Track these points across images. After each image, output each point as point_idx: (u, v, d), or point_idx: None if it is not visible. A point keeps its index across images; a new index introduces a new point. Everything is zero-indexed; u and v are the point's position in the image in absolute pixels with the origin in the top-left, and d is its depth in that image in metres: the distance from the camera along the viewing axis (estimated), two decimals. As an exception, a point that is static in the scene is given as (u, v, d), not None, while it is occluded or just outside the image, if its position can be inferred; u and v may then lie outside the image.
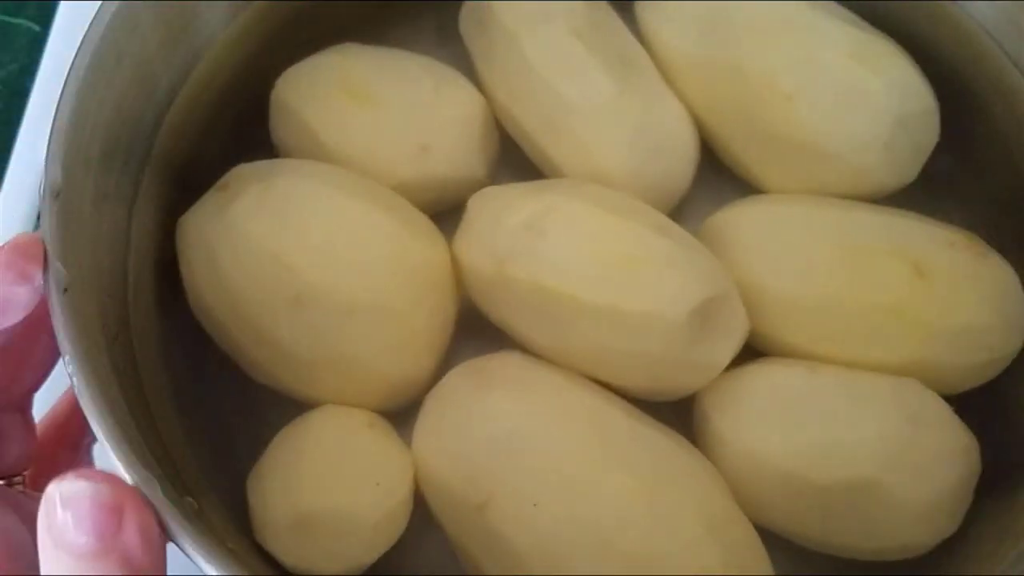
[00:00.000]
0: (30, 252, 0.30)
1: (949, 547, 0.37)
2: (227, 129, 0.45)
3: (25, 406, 0.35)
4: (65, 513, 0.26)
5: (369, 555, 0.36)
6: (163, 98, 0.41)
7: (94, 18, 0.36)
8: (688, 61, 0.45)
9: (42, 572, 0.27)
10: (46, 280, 0.31)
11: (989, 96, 0.44)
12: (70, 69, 0.34)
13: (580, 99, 0.43)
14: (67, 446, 0.38)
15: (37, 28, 0.58)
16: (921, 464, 0.36)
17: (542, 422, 0.37)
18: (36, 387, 0.35)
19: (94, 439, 0.38)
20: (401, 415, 0.41)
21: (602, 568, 0.34)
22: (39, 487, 0.36)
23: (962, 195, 0.46)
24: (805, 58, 0.42)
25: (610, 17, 0.46)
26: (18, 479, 0.34)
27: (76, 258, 0.33)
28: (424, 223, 0.42)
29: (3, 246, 0.30)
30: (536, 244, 0.38)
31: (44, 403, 0.36)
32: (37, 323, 0.33)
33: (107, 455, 0.29)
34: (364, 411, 0.39)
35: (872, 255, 0.39)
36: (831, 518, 0.37)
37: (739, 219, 0.42)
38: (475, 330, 0.42)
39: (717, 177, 0.46)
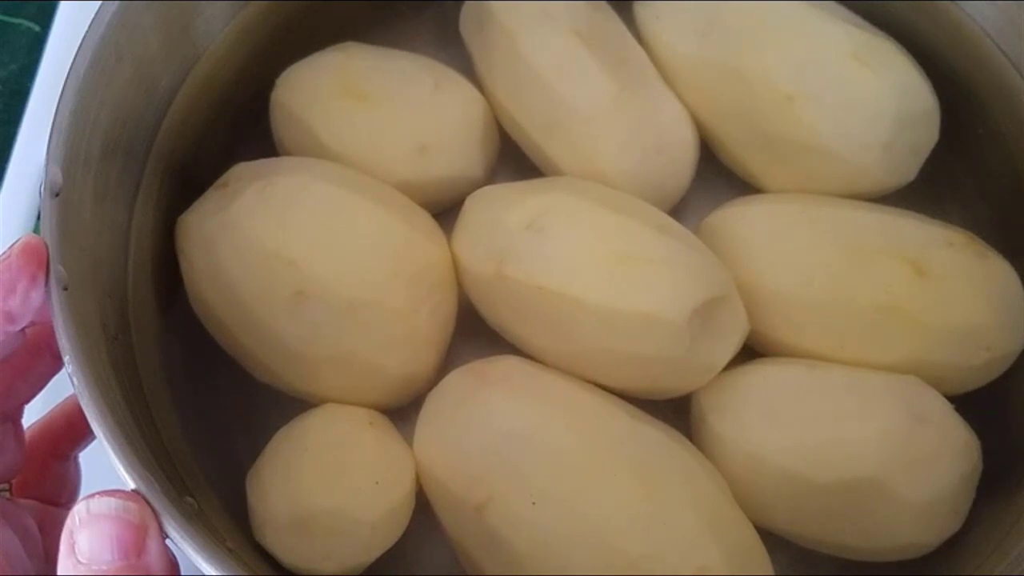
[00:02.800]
0: (38, 256, 0.31)
1: (949, 546, 0.37)
2: (227, 128, 0.45)
3: (16, 416, 0.35)
4: (92, 530, 0.26)
5: (369, 554, 0.36)
6: (163, 98, 0.41)
7: (94, 18, 0.36)
8: (688, 61, 0.45)
9: None
10: (47, 280, 0.31)
11: (989, 97, 0.44)
12: (70, 69, 0.35)
13: (580, 99, 0.43)
14: (57, 456, 0.38)
15: (37, 28, 0.58)
16: (922, 462, 0.36)
17: (542, 422, 0.37)
18: (30, 399, 0.35)
19: (86, 446, 0.38)
20: (403, 413, 0.41)
21: (602, 568, 0.34)
22: (26, 496, 0.36)
23: (962, 195, 0.46)
24: (805, 58, 0.42)
25: (610, 18, 0.46)
26: (4, 487, 0.34)
27: (76, 257, 0.33)
28: (425, 220, 0.42)
29: (12, 250, 0.30)
30: (535, 243, 0.38)
31: (34, 412, 0.36)
32: (38, 339, 0.33)
33: (107, 455, 0.29)
34: (365, 409, 0.39)
35: (872, 255, 0.39)
36: (831, 518, 0.37)
37: (737, 218, 0.42)
38: (475, 330, 0.42)
39: (716, 177, 0.46)
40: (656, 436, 0.37)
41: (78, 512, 0.27)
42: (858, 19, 0.44)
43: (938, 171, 0.44)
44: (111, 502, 0.27)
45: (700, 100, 0.45)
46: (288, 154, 0.44)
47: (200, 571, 0.28)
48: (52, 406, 0.38)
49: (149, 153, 0.40)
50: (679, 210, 0.45)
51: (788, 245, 0.40)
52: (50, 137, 0.33)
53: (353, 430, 0.38)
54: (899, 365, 0.38)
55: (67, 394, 0.36)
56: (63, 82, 0.34)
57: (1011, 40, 0.42)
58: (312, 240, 0.38)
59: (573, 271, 0.38)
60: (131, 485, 0.28)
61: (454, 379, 0.39)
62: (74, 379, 0.30)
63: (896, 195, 0.43)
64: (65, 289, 0.31)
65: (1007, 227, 0.43)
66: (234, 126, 0.45)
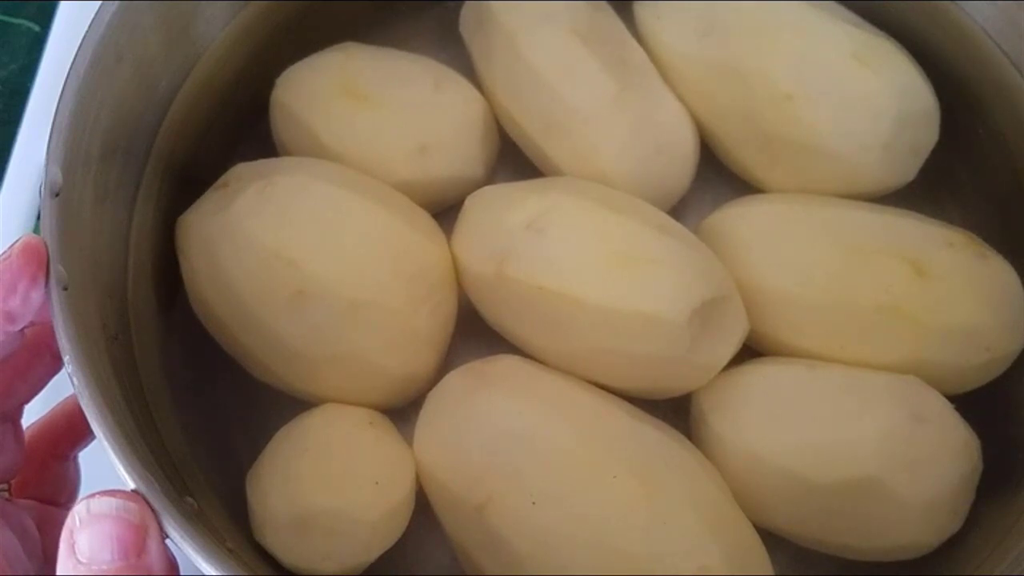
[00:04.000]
0: (38, 256, 0.31)
1: (949, 546, 0.37)
2: (227, 128, 0.45)
3: (16, 416, 0.35)
4: (92, 530, 0.26)
5: (368, 554, 0.36)
6: (163, 98, 0.41)
7: (94, 18, 0.36)
8: (688, 61, 0.45)
9: None
10: (47, 280, 0.31)
11: (989, 96, 0.44)
12: (70, 69, 0.35)
13: (580, 100, 0.43)
14: (57, 456, 0.38)
15: (37, 28, 0.58)
16: (922, 462, 0.36)
17: (542, 422, 0.37)
18: (30, 399, 0.35)
19: (86, 446, 0.38)
20: (403, 413, 0.41)
21: (602, 568, 0.34)
22: (26, 495, 0.36)
23: (962, 195, 0.46)
24: (805, 58, 0.42)
25: (610, 18, 0.46)
26: (3, 487, 0.35)
27: (76, 257, 0.33)
28: (425, 220, 0.42)
29: (12, 250, 0.30)
30: (535, 243, 0.38)
31: (34, 412, 0.36)
32: (38, 339, 0.33)
33: (107, 455, 0.29)
34: (365, 409, 0.39)
35: (871, 255, 0.39)
36: (831, 518, 0.37)
37: (738, 218, 0.42)
38: (475, 330, 0.42)
39: (717, 177, 0.46)
40: (656, 436, 0.37)
41: (78, 512, 0.27)
42: (858, 19, 0.44)
43: (938, 171, 0.44)
44: (111, 502, 0.27)
45: (700, 100, 0.45)
46: (288, 154, 0.44)
47: (200, 571, 0.28)
48: (52, 406, 0.38)
49: (149, 153, 0.40)
50: (679, 210, 0.45)
51: (788, 245, 0.40)
52: (50, 137, 0.33)
53: (353, 430, 0.38)
54: (899, 365, 0.38)
55: (67, 394, 0.36)
56: (63, 82, 0.34)
57: (1011, 40, 0.42)
58: (312, 240, 0.38)
59: (573, 271, 0.38)
60: (131, 485, 0.28)
61: (454, 379, 0.39)
62: (74, 379, 0.30)
63: (896, 195, 0.43)
64: (65, 289, 0.31)
65: (1007, 227, 0.43)
66: (234, 126, 0.45)
